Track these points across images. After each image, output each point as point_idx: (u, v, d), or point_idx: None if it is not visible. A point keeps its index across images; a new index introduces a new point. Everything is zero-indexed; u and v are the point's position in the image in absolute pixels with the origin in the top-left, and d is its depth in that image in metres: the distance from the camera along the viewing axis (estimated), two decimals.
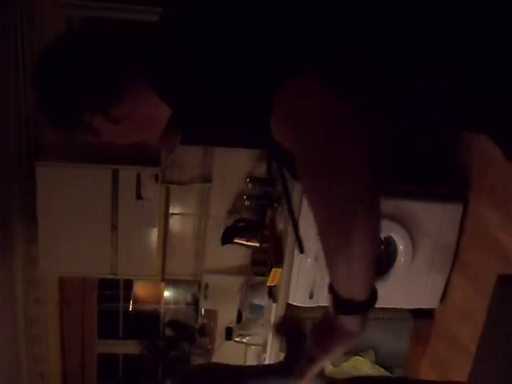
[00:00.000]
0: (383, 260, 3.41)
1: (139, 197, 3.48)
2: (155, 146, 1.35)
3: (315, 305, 3.44)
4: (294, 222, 3.17)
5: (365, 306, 1.05)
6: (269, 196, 3.73)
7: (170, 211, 3.96)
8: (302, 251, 3.24)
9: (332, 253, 0.99)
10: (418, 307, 3.70)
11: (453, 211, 3.37)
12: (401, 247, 3.40)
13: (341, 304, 1.05)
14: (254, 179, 3.82)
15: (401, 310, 3.67)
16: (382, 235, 3.23)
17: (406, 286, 3.48)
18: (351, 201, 0.93)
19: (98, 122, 1.24)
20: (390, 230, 3.32)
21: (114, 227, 3.55)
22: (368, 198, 0.94)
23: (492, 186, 3.12)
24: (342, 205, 0.93)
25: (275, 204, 3.63)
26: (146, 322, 4.68)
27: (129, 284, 4.50)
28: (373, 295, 1.05)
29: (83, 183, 3.46)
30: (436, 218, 3.35)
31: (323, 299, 3.43)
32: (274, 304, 3.57)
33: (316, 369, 1.16)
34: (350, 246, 0.95)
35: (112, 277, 3.77)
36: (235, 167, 3.85)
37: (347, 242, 0.95)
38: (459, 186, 3.37)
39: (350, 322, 1.08)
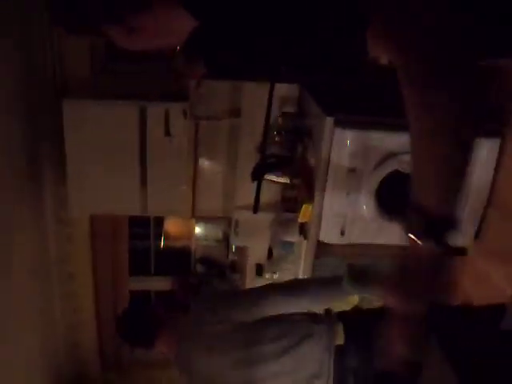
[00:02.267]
0: None
1: (168, 133, 3.42)
2: (179, 70, 1.29)
3: (346, 242, 3.40)
4: None
5: (454, 224, 1.03)
6: (299, 131, 3.64)
7: (200, 147, 3.91)
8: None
9: (429, 163, 1.01)
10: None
11: (489, 147, 3.25)
12: None
13: (432, 224, 1.01)
14: (284, 114, 3.73)
15: None
16: None
17: None
18: (458, 110, 0.95)
19: (114, 32, 1.17)
20: None
21: (143, 165, 3.51)
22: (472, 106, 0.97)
23: None
24: (450, 112, 0.96)
25: (306, 139, 3.56)
26: (177, 259, 4.71)
27: (160, 221, 4.51)
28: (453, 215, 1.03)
29: (111, 120, 3.40)
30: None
31: (355, 236, 3.40)
32: (305, 241, 3.55)
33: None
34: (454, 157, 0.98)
35: (142, 214, 3.77)
36: (265, 102, 3.76)
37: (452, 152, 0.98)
38: (495, 121, 3.24)
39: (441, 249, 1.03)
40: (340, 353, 2.23)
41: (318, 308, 2.50)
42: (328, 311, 2.43)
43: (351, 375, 2.23)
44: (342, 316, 2.36)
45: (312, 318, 2.36)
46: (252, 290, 2.84)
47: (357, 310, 2.54)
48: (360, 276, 2.45)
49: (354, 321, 2.34)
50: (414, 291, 1.09)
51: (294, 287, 2.53)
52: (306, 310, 2.45)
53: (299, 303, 2.43)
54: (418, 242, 1.04)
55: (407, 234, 1.06)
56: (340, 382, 2.23)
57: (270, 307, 2.39)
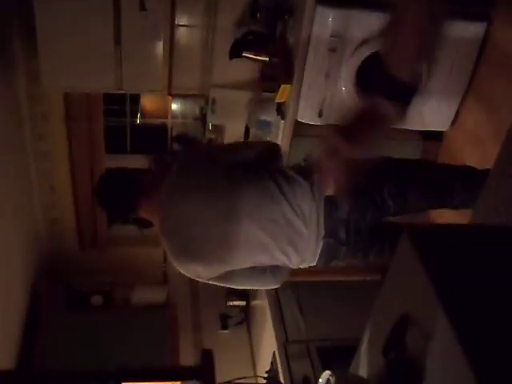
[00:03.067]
0: None
1: (143, 8, 3.28)
2: None
3: (324, 123, 3.40)
4: None
5: (409, 90, 1.13)
6: (280, 8, 3.52)
7: (176, 22, 3.76)
8: None
9: (395, 25, 1.13)
10: (428, 129, 3.65)
11: (475, 30, 3.19)
12: None
13: (388, 81, 1.11)
14: None
15: (411, 131, 3.62)
16: None
17: (418, 108, 3.39)
18: None
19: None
20: None
21: (118, 41, 3.39)
22: None
23: None
24: None
25: (286, 17, 3.44)
26: (154, 137, 4.69)
27: (136, 98, 4.43)
28: (415, 83, 1.14)
29: None
30: (456, 37, 3.16)
31: (333, 117, 3.39)
32: (282, 121, 3.54)
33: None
34: (415, 22, 1.07)
35: (118, 91, 3.69)
36: None
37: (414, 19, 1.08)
38: (483, 3, 3.15)
39: (390, 106, 1.14)
40: (329, 204, 2.21)
41: None
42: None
43: (342, 226, 2.24)
44: None
45: (300, 169, 2.29)
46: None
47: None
48: None
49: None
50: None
51: None
52: None
53: None
54: (382, 100, 1.14)
55: (373, 91, 1.15)
56: (331, 233, 2.23)
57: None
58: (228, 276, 2.28)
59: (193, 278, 2.29)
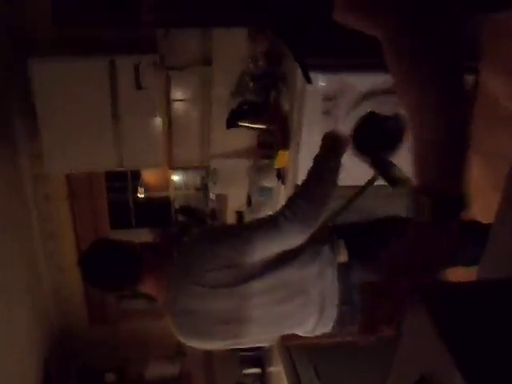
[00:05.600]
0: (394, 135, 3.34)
1: (139, 87, 3.37)
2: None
3: None
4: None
5: (462, 202, 1.01)
6: (272, 76, 3.61)
7: (172, 98, 3.85)
8: (309, 81, 3.01)
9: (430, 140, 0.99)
10: None
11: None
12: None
13: (443, 203, 0.99)
14: (255, 59, 3.69)
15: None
16: (391, 111, 3.16)
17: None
18: None
19: None
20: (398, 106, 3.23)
21: (116, 120, 3.48)
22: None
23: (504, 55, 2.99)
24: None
25: (279, 84, 3.53)
26: (158, 210, 4.72)
27: (137, 174, 4.49)
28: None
29: (80, 77, 3.35)
30: None
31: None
32: (283, 186, 3.57)
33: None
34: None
35: (119, 169, 3.75)
36: (235, 47, 3.70)
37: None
38: (470, 58, 3.22)
39: (449, 227, 1.02)
40: (344, 270, 2.16)
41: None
42: (329, 230, 2.26)
43: (356, 292, 2.17)
44: (341, 233, 2.25)
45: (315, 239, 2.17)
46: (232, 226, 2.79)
47: (355, 226, 2.42)
48: None
49: (355, 236, 2.26)
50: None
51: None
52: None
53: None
54: (428, 226, 1.02)
55: (417, 221, 1.04)
56: (345, 300, 2.17)
57: (259, 241, 2.12)
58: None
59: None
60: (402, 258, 1.07)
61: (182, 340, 2.19)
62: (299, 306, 2.15)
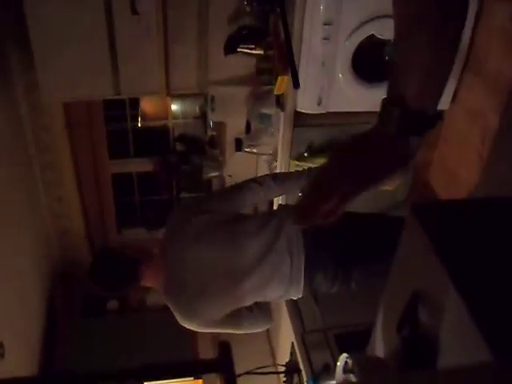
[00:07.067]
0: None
1: (135, 12, 3.30)
2: None
3: (324, 111, 3.40)
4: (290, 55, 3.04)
5: (431, 122, 1.02)
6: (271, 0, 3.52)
7: (169, 22, 3.75)
8: (295, 86, 3.10)
9: (411, 60, 1.00)
10: None
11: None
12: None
13: (410, 117, 1.00)
14: None
15: None
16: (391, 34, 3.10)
17: None
18: None
19: None
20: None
21: (112, 46, 3.41)
22: None
23: None
24: None
25: (278, 8, 3.44)
26: (156, 139, 4.70)
27: (135, 102, 4.44)
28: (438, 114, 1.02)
29: (75, 4, 3.28)
30: None
31: (332, 105, 3.39)
32: (282, 112, 3.54)
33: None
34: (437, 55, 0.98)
35: (116, 97, 3.71)
36: None
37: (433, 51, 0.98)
38: None
39: (412, 142, 1.02)
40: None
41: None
42: None
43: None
44: None
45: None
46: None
47: None
48: None
49: None
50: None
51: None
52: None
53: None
54: (388, 135, 1.03)
55: (380, 128, 1.04)
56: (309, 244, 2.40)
57: (248, 192, 2.50)
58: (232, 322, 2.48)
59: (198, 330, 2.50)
60: (349, 160, 1.09)
61: (186, 320, 2.39)
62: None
